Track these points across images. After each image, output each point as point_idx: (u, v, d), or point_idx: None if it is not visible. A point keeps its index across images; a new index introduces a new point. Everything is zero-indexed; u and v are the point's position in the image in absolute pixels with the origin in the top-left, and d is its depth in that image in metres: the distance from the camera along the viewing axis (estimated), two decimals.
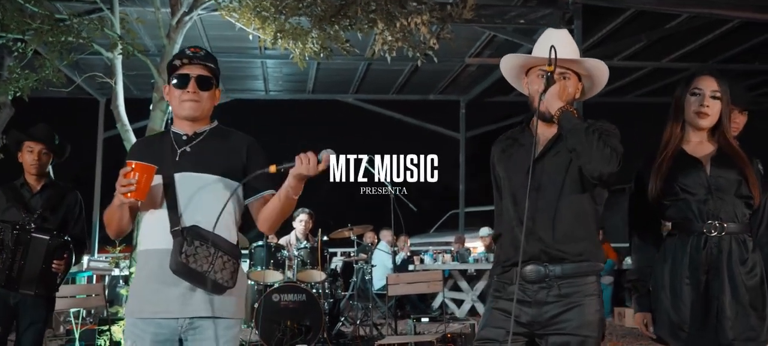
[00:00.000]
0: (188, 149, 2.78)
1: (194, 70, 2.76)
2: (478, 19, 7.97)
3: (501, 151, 2.88)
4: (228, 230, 2.74)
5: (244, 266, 5.59)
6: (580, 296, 2.63)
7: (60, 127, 4.62)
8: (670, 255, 2.95)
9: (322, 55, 7.55)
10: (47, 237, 4.21)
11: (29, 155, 4.37)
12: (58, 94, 11.73)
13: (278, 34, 7.16)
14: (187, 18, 7.69)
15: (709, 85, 2.96)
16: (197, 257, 2.61)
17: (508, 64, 2.89)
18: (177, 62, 2.78)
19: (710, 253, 2.84)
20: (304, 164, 2.52)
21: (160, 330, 2.66)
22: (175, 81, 2.78)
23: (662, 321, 2.96)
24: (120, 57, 7.63)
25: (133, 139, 7.93)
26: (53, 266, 4.23)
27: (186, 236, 2.62)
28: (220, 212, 2.58)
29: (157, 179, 2.68)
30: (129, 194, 2.55)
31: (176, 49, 7.79)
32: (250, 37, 7.76)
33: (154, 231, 2.71)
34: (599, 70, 2.79)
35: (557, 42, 2.69)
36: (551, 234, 2.63)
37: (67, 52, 7.49)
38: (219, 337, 2.66)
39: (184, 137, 2.81)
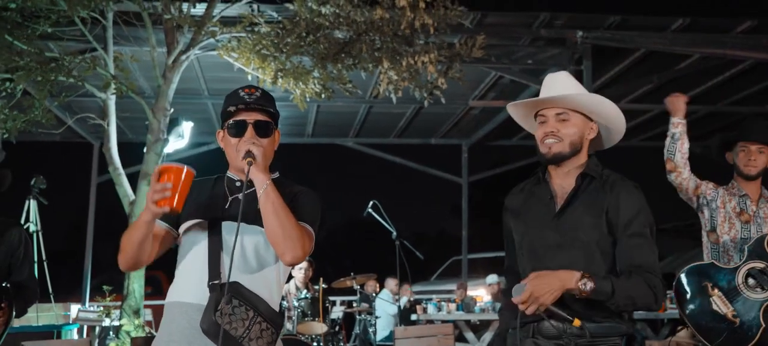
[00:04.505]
0: (241, 197, 2.45)
1: (251, 116, 2.49)
2: (485, 59, 7.68)
3: (519, 203, 2.70)
4: (269, 292, 2.44)
5: None
6: None
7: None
8: None
9: (323, 95, 7.27)
10: None
11: None
12: (50, 137, 11.48)
13: (279, 73, 6.87)
14: (183, 57, 7.43)
15: None
16: (233, 319, 2.29)
17: (515, 113, 2.77)
18: (231, 108, 2.48)
19: None
20: None
21: None
22: (230, 129, 2.49)
23: None
24: (113, 97, 7.35)
25: (126, 184, 7.61)
26: None
27: (225, 293, 2.29)
28: (232, 255, 2.24)
29: (202, 225, 2.45)
30: (163, 202, 2.20)
31: (172, 89, 7.51)
32: (249, 77, 7.48)
33: (188, 282, 2.41)
34: (601, 106, 2.64)
35: (550, 83, 2.63)
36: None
37: (57, 91, 7.20)
38: None
39: (238, 183, 2.52)
